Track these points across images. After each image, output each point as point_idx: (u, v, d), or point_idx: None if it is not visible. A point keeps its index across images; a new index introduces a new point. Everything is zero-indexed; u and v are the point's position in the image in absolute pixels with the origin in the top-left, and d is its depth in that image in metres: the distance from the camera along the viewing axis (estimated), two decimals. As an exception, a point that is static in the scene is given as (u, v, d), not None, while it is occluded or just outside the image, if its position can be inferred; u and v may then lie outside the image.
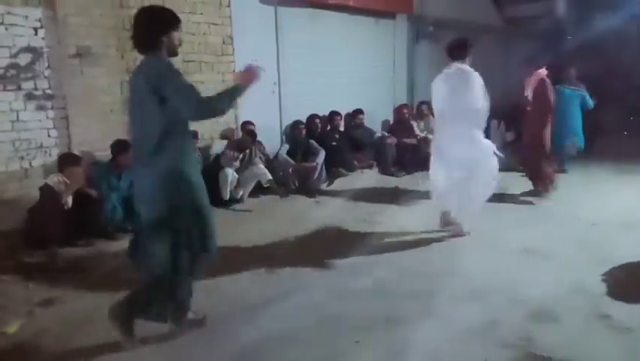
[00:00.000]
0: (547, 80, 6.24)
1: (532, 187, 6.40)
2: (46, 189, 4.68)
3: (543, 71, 6.30)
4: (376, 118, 9.09)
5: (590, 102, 7.55)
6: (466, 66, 4.69)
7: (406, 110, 8.92)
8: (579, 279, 3.84)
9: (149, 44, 2.82)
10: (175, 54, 2.93)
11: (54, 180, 4.73)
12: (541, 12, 11.43)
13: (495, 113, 10.61)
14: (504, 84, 11.25)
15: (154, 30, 2.82)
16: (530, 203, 6.13)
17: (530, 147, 6.35)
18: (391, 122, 9.27)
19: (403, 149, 8.20)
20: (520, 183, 6.61)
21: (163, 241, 2.83)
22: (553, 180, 6.37)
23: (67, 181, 4.76)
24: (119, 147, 5.17)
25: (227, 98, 2.87)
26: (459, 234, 4.84)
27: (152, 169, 2.80)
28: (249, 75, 2.95)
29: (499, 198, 6.31)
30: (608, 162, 8.04)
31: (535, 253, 4.42)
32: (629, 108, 10.47)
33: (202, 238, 2.92)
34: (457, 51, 4.76)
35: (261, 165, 6.52)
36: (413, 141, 8.27)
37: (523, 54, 10.67)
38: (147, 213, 2.88)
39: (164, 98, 2.71)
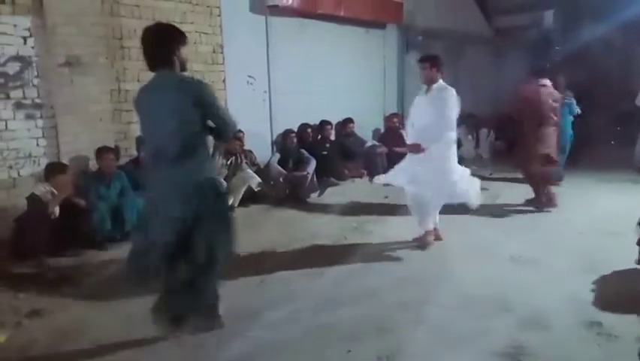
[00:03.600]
0: (542, 90, 6.18)
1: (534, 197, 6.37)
2: (33, 199, 4.64)
3: (546, 81, 6.26)
4: (367, 127, 9.13)
5: (575, 109, 7.62)
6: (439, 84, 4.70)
7: (396, 119, 8.98)
8: (569, 287, 3.86)
9: (166, 61, 2.94)
10: (185, 69, 3.05)
11: (41, 189, 4.69)
12: (529, 22, 11.59)
13: (485, 122, 10.80)
14: (493, 94, 11.39)
15: (168, 47, 2.94)
16: (520, 210, 6.19)
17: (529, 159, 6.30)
18: (382, 131, 9.31)
19: (393, 158, 8.21)
20: (509, 191, 6.65)
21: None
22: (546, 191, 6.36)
23: (55, 191, 4.73)
24: (100, 152, 5.19)
25: None
26: (425, 243, 4.84)
27: (185, 177, 2.91)
28: None
29: (488, 206, 6.38)
30: (596, 171, 8.12)
31: (524, 261, 4.44)
32: (617, 118, 10.59)
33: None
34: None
35: (249, 170, 6.50)
36: (403, 149, 8.28)
37: (514, 64, 10.83)
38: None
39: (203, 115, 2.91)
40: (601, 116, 10.24)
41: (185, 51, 3.01)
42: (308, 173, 6.97)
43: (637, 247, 4.08)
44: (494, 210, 6.24)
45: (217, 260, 3.00)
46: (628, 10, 9.79)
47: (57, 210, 4.67)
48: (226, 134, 3.09)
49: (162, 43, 2.94)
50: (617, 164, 8.47)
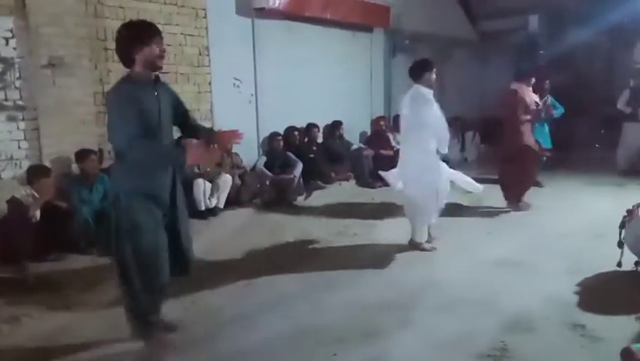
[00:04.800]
0: (519, 92, 6.24)
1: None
2: (13, 203, 4.57)
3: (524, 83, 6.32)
4: (354, 130, 9.13)
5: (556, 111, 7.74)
6: (417, 87, 4.75)
7: (382, 122, 9.00)
8: (553, 289, 3.89)
9: (126, 61, 2.88)
10: (154, 68, 2.90)
11: (22, 192, 4.62)
12: (514, 27, 11.68)
13: (470, 125, 10.88)
14: (479, 97, 11.47)
15: (125, 47, 2.85)
16: (504, 212, 6.23)
17: (507, 160, 6.36)
18: (369, 134, 9.32)
19: (379, 160, 8.23)
20: (494, 194, 6.67)
21: None
22: (521, 196, 6.41)
23: (36, 194, 4.66)
24: (82, 154, 5.13)
25: (158, 157, 2.90)
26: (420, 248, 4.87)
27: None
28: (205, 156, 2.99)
29: (473, 209, 6.42)
30: (579, 173, 8.21)
31: (509, 264, 4.46)
32: (601, 121, 10.73)
33: None
34: (413, 72, 4.83)
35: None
36: (390, 152, 8.31)
37: (499, 68, 10.93)
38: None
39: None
40: (585, 119, 10.37)
41: (150, 49, 2.82)
42: (294, 176, 6.95)
43: (619, 249, 4.13)
44: (479, 213, 6.28)
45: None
46: (612, 16, 9.91)
47: (38, 213, 4.60)
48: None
49: (120, 44, 2.87)
50: (601, 166, 8.57)
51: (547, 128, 7.72)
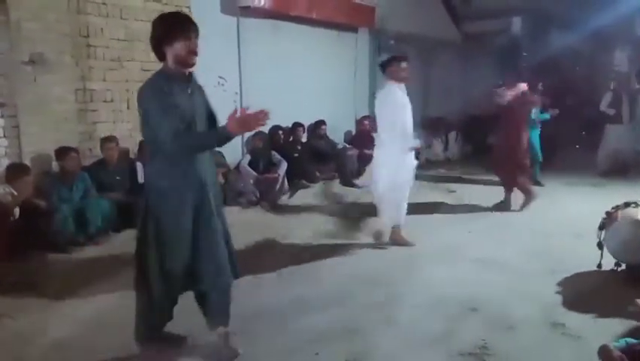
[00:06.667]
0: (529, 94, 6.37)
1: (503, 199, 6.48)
2: (-9, 201, 4.49)
3: (524, 86, 6.43)
4: (338, 129, 9.14)
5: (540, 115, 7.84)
6: (387, 84, 4.91)
7: (367, 122, 9.02)
8: (533, 288, 3.94)
9: (158, 54, 2.77)
10: (186, 64, 2.74)
11: (0, 190, 4.54)
12: (498, 28, 11.79)
13: (453, 125, 10.95)
14: (462, 98, 11.56)
15: (156, 40, 2.74)
16: (486, 211, 6.30)
17: (507, 159, 6.39)
18: (353, 133, 9.34)
19: (364, 160, 8.26)
20: (475, 193, 6.74)
21: None
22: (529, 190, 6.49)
23: (15, 192, 4.58)
24: (62, 152, 5.07)
25: (204, 139, 2.86)
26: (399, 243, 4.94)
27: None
28: (243, 122, 2.78)
29: (455, 208, 6.47)
30: (561, 174, 8.32)
31: (490, 263, 4.50)
32: (582, 123, 10.88)
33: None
34: (381, 68, 5.00)
35: None
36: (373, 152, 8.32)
37: (482, 69, 11.03)
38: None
39: None
40: (567, 121, 10.51)
41: (181, 45, 2.67)
42: (279, 175, 6.93)
43: (599, 250, 4.19)
44: (461, 212, 6.33)
45: None
46: (594, 20, 10.07)
47: (17, 212, 4.53)
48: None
49: (152, 37, 2.75)
50: (582, 167, 8.70)
51: (538, 132, 7.83)
